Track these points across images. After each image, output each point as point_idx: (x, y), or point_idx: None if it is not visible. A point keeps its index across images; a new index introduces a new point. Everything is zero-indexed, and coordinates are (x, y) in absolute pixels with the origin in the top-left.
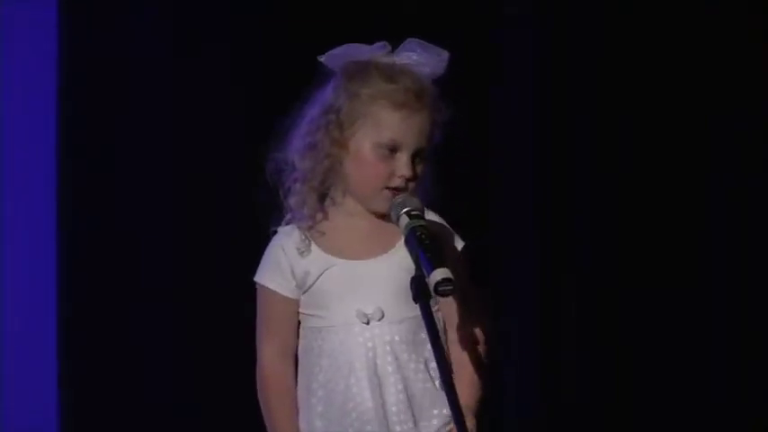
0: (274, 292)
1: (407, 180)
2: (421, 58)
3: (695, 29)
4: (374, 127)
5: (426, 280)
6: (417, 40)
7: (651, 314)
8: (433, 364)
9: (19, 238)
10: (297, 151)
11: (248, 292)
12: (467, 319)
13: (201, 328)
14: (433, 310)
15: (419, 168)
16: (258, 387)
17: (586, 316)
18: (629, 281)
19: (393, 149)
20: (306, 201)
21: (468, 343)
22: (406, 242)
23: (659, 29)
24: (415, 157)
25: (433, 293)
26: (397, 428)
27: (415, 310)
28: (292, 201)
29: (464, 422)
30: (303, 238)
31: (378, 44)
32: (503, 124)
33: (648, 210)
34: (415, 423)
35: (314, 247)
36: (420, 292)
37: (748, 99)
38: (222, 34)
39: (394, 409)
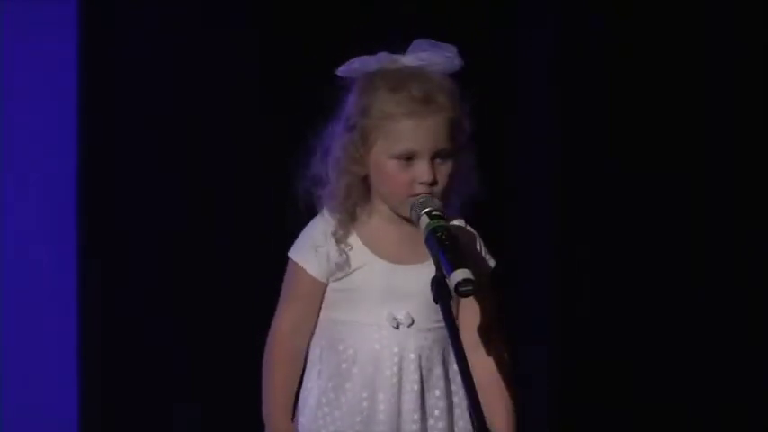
0: (305, 272)
1: (430, 185)
2: (432, 58)
3: (698, 29)
4: (388, 140)
5: (447, 281)
6: (426, 39)
7: (657, 315)
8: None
9: (38, 237)
10: (326, 165)
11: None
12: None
13: (216, 326)
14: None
15: (444, 169)
16: (266, 351)
17: (595, 317)
18: (637, 283)
19: (410, 158)
20: (339, 213)
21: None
22: (426, 242)
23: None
24: (435, 159)
25: (453, 294)
26: None
27: (442, 320)
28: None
29: (484, 422)
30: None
31: (381, 54)
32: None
33: (657, 212)
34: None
35: (354, 238)
36: (440, 292)
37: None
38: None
39: (415, 416)
